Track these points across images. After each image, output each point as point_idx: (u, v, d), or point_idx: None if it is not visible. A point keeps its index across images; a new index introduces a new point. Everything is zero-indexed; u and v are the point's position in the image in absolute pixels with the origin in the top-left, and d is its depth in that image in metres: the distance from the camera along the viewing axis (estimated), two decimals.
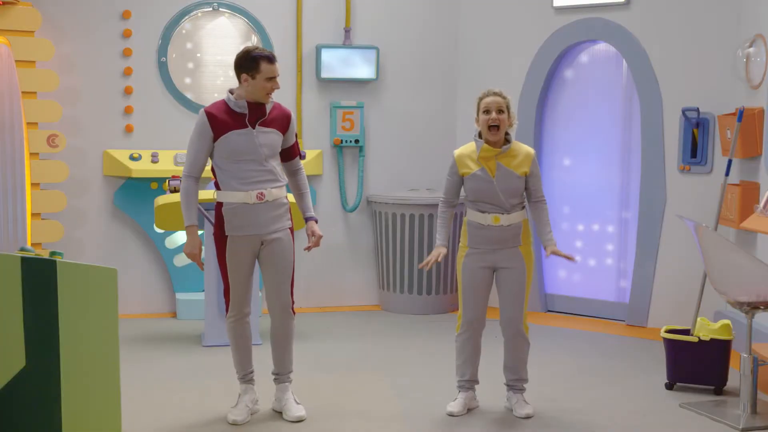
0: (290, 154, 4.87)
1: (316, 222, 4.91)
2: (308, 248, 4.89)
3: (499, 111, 4.77)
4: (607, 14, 7.09)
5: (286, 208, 4.79)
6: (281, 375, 4.91)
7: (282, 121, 4.76)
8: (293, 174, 4.92)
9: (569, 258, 4.84)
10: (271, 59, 4.65)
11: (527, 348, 4.96)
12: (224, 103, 4.70)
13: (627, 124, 7.25)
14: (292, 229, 4.84)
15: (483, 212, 4.82)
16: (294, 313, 4.86)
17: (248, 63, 4.64)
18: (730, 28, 6.67)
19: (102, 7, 7.07)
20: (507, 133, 4.85)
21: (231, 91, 4.72)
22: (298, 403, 4.86)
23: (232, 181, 4.67)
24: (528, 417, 4.87)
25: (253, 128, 4.65)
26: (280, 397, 4.89)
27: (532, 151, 4.87)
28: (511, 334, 4.91)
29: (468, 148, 4.89)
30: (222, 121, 4.64)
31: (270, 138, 4.69)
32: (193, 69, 7.30)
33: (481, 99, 4.83)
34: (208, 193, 6.14)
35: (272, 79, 4.65)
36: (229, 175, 4.68)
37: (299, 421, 4.77)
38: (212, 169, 4.79)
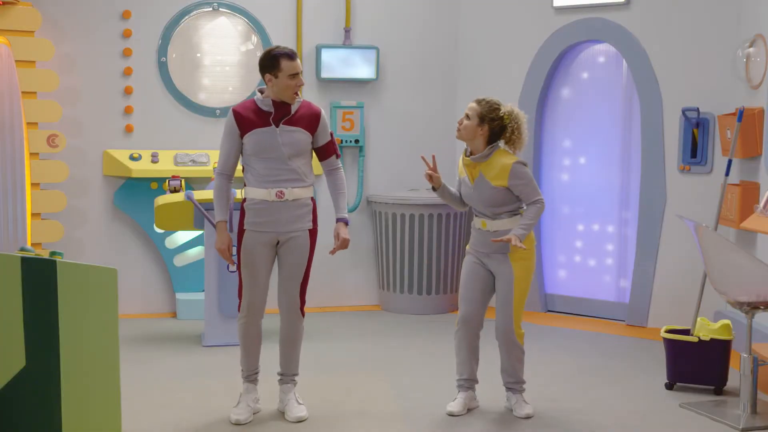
0: (324, 152, 4.83)
1: (347, 224, 4.86)
2: (332, 251, 4.87)
3: (466, 116, 4.81)
4: (607, 14, 7.09)
5: (308, 209, 4.77)
6: (285, 376, 4.92)
7: (310, 120, 4.73)
8: (329, 174, 4.88)
9: (509, 240, 4.67)
10: (291, 56, 4.64)
11: (521, 354, 4.93)
12: (253, 102, 4.73)
13: (627, 124, 7.25)
14: (313, 231, 4.81)
15: (475, 216, 4.92)
16: (303, 315, 4.84)
17: (269, 62, 4.65)
18: (730, 28, 6.66)
19: (102, 7, 7.07)
20: (495, 143, 4.82)
21: (261, 91, 4.75)
22: (300, 404, 4.86)
23: (256, 178, 4.71)
24: (528, 417, 4.87)
25: (277, 127, 4.66)
26: (283, 397, 4.90)
27: (509, 163, 4.74)
28: (502, 340, 4.90)
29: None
30: (248, 119, 4.68)
31: (294, 137, 4.68)
32: (193, 69, 7.29)
33: None
34: (207, 194, 6.15)
35: (295, 75, 4.64)
36: (253, 172, 4.72)
37: (300, 421, 4.77)
38: (242, 167, 4.83)
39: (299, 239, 4.76)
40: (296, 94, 4.69)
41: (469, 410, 4.97)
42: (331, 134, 4.84)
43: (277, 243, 4.77)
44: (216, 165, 4.83)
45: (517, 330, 4.86)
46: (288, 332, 4.85)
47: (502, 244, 4.77)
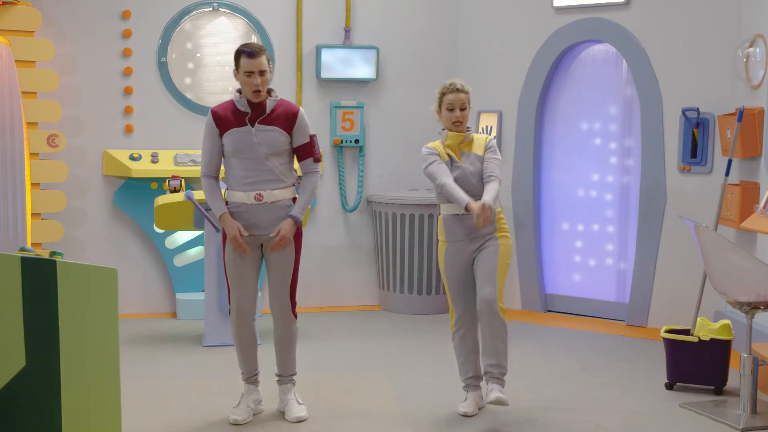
0: (302, 153, 4.76)
1: (295, 223, 4.68)
2: (271, 246, 4.70)
3: (462, 108, 4.84)
4: (607, 14, 7.09)
5: (289, 210, 4.74)
6: (283, 377, 4.92)
7: (286, 119, 4.69)
8: (303, 175, 4.82)
9: (477, 214, 4.63)
10: (250, 54, 4.60)
11: (504, 331, 4.76)
12: (232, 103, 4.73)
13: (627, 124, 7.25)
14: (296, 232, 4.75)
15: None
16: (295, 316, 4.83)
17: (234, 58, 4.68)
18: (730, 28, 6.66)
19: (102, 7, 7.07)
20: (468, 128, 4.93)
21: (239, 91, 4.73)
22: (300, 404, 4.86)
23: (234, 180, 4.70)
24: (500, 402, 4.63)
25: (252, 126, 4.65)
26: (283, 397, 4.90)
27: (488, 136, 4.93)
28: (486, 314, 4.72)
29: (435, 142, 4.93)
30: (225, 119, 4.68)
31: (269, 136, 4.66)
32: (193, 69, 7.30)
33: (443, 94, 4.86)
34: None
35: (251, 74, 4.60)
36: (232, 174, 4.72)
37: (300, 421, 4.77)
38: (224, 170, 4.82)
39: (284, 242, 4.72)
40: (258, 92, 4.63)
41: (479, 409, 4.95)
42: (312, 137, 4.76)
43: (262, 245, 4.76)
44: (201, 168, 4.79)
45: (500, 303, 4.74)
46: (282, 335, 4.84)
47: (489, 225, 4.76)
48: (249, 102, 4.67)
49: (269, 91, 4.72)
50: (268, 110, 4.68)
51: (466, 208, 4.69)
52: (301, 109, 4.77)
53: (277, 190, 4.69)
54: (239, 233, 4.65)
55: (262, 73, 4.62)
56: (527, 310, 7.55)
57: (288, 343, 4.85)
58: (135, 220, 7.19)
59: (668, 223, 6.89)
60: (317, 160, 4.80)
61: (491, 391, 4.72)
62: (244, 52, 4.62)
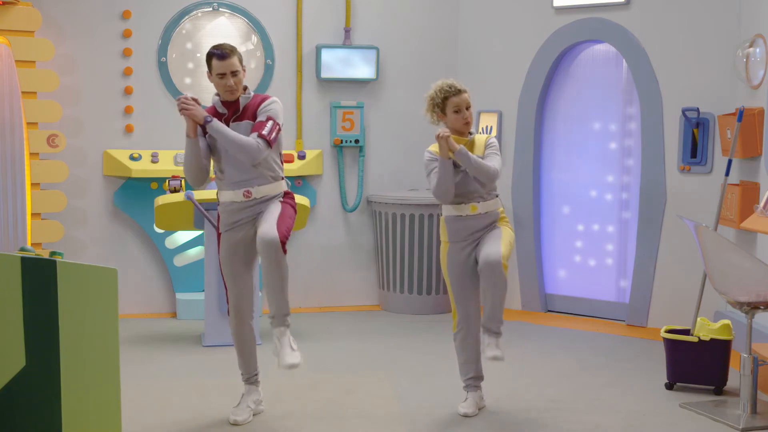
0: (253, 129, 4.61)
1: (204, 119, 4.57)
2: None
3: (467, 108, 4.85)
4: (607, 14, 7.09)
5: (278, 196, 4.70)
6: (276, 318, 4.59)
7: (255, 108, 4.68)
8: None
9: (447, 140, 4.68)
10: (221, 56, 4.60)
11: (505, 288, 4.69)
12: (213, 108, 4.75)
13: (627, 124, 7.26)
14: (284, 202, 4.67)
15: (459, 203, 4.82)
16: (285, 251, 4.50)
17: (206, 60, 4.68)
18: (730, 28, 6.66)
19: (102, 7, 7.07)
20: (470, 131, 4.94)
21: (217, 94, 4.74)
22: (293, 350, 4.58)
23: (222, 180, 4.72)
24: (496, 359, 4.66)
25: (228, 126, 4.65)
26: (277, 342, 4.62)
27: (490, 136, 4.93)
28: (489, 270, 4.63)
29: (437, 145, 4.87)
30: None
31: (242, 129, 4.64)
32: (193, 69, 7.30)
33: (446, 98, 4.81)
34: (210, 193, 6.14)
35: (223, 75, 4.60)
36: (220, 174, 4.73)
37: (292, 368, 4.54)
38: (215, 173, 4.82)
39: (269, 204, 4.65)
40: (233, 91, 4.63)
41: (479, 409, 4.95)
42: (270, 118, 4.62)
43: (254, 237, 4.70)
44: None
45: (504, 262, 4.66)
46: (273, 274, 4.50)
47: (491, 223, 4.82)
48: (224, 103, 4.68)
49: (244, 89, 4.72)
50: (241, 107, 4.68)
51: (438, 137, 4.69)
52: (273, 98, 4.72)
53: (265, 185, 4.67)
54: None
55: (234, 73, 4.62)
56: (527, 310, 7.55)
57: (279, 282, 4.53)
58: (135, 220, 7.19)
59: (668, 223, 6.89)
60: (262, 136, 4.57)
61: (488, 347, 4.71)
62: (214, 55, 4.62)
